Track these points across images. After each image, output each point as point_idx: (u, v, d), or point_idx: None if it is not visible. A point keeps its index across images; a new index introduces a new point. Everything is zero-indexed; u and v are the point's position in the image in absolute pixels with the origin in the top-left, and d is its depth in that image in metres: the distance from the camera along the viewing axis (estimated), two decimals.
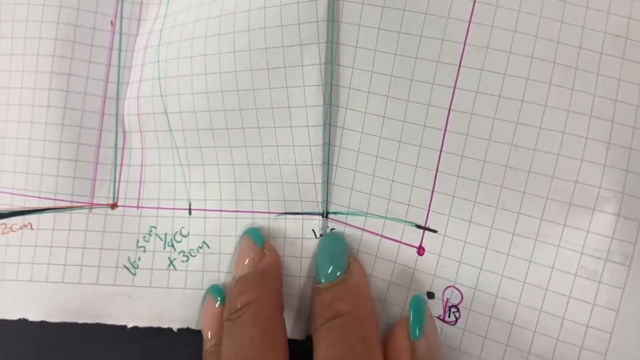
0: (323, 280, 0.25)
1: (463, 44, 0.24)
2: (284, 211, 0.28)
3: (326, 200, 0.27)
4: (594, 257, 0.23)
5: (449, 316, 0.26)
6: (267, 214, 0.28)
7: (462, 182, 0.25)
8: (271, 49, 0.26)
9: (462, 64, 0.24)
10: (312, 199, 0.27)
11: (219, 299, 0.27)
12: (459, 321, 0.25)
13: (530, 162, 0.24)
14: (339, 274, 0.25)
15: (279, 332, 0.24)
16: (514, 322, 0.24)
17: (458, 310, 0.25)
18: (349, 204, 0.27)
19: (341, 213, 0.27)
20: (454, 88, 0.24)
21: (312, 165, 0.26)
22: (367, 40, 0.25)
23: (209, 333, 0.27)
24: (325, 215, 0.27)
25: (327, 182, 0.27)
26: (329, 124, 0.26)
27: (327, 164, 0.27)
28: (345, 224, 0.27)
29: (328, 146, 0.27)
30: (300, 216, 0.27)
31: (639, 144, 0.23)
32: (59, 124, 0.29)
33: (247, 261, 0.26)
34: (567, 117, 0.23)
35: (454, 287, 0.25)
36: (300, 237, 0.27)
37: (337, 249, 0.26)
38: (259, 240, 0.27)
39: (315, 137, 0.26)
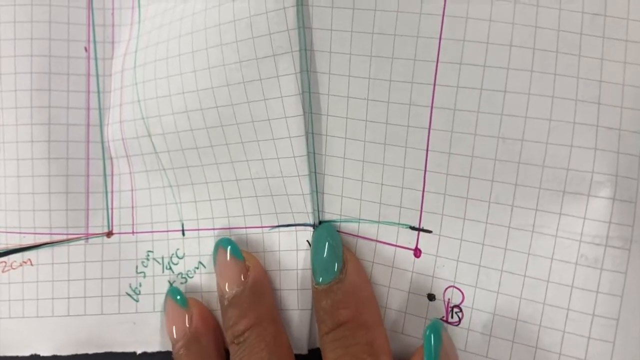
0: (321, 280, 0.24)
1: (439, 39, 0.23)
2: (276, 224, 0.27)
3: (317, 210, 0.27)
4: (594, 244, 0.23)
5: (452, 317, 0.25)
6: (260, 229, 0.28)
7: (452, 180, 0.24)
8: (245, 62, 0.25)
9: (439, 60, 0.24)
10: (302, 210, 0.26)
11: (178, 297, 0.28)
12: (462, 321, 0.25)
13: (519, 153, 0.23)
14: (336, 268, 0.24)
15: (285, 347, 0.25)
16: (518, 317, 0.24)
17: (460, 310, 0.25)
18: (341, 211, 0.26)
19: (334, 221, 0.26)
20: (434, 85, 0.24)
21: (299, 176, 0.26)
22: (341, 45, 0.25)
23: (174, 334, 0.27)
24: (318, 224, 0.27)
25: (316, 192, 0.26)
26: (312, 133, 0.26)
27: (315, 173, 0.26)
28: (339, 232, 0.26)
29: (314, 155, 0.26)
30: (293, 228, 0.27)
31: (628, 123, 0.22)
32: (46, 158, 0.29)
33: (233, 278, 0.26)
34: (552, 103, 0.23)
35: (454, 286, 0.25)
36: (295, 249, 0.27)
37: (330, 243, 0.25)
38: (238, 254, 0.26)
39: (298, 148, 0.25)
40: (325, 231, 0.25)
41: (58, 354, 0.30)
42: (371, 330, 0.23)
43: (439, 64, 0.24)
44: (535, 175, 0.23)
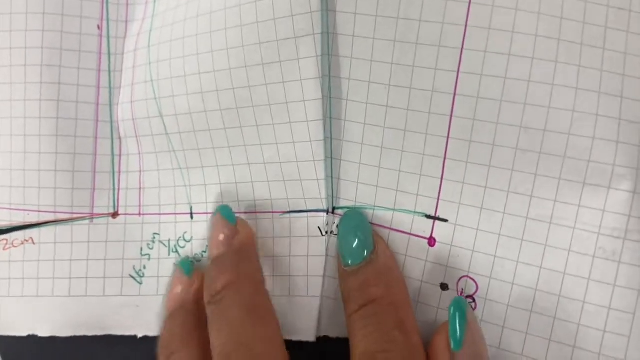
0: (350, 262, 0.24)
1: (464, 26, 0.23)
2: (287, 210, 0.27)
3: (332, 196, 0.26)
4: (612, 236, 0.23)
5: None
6: (271, 214, 0.27)
7: (472, 168, 0.24)
8: (265, 44, 0.25)
9: (464, 47, 0.23)
10: (315, 195, 0.26)
11: (185, 268, 0.27)
12: (475, 312, 0.25)
13: (540, 143, 0.23)
14: (365, 253, 0.24)
15: (265, 307, 0.24)
16: (532, 309, 0.24)
17: (474, 301, 0.25)
18: (356, 198, 0.26)
19: (348, 207, 0.26)
20: (458, 72, 0.24)
21: (314, 161, 0.25)
22: (365, 29, 0.25)
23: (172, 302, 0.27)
24: (332, 210, 0.26)
25: (331, 177, 0.26)
26: (330, 118, 0.26)
27: (331, 159, 0.26)
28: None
29: (330, 140, 0.26)
30: (305, 214, 0.27)
31: None
32: (53, 135, 0.29)
33: (220, 240, 0.25)
34: (575, 95, 0.23)
35: (468, 277, 0.25)
36: (306, 235, 0.27)
37: (360, 227, 0.25)
38: (230, 218, 0.26)
39: (315, 132, 0.25)
40: (355, 215, 0.25)
41: (56, 335, 0.29)
42: (401, 310, 0.23)
43: (463, 51, 0.24)
44: (556, 166, 0.23)
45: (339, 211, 0.26)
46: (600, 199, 0.23)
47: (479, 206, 0.24)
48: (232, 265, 0.24)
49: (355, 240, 0.24)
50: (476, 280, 0.25)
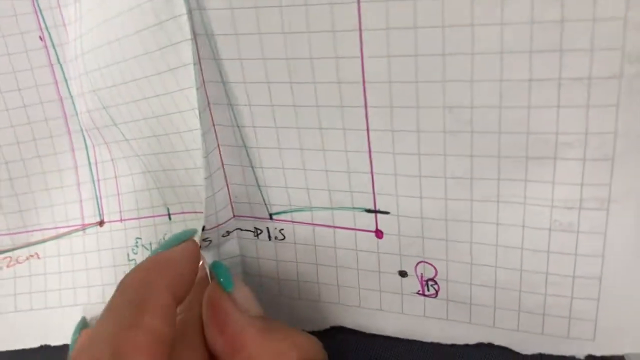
0: None
1: (357, 2, 0.19)
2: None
3: (263, 203, 0.24)
4: (566, 208, 0.20)
5: (428, 289, 0.24)
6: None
7: (401, 159, 0.21)
8: (150, 54, 0.22)
9: (362, 27, 0.20)
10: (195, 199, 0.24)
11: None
12: (439, 293, 0.24)
13: (469, 122, 0.20)
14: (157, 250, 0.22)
15: None
16: (496, 285, 0.22)
17: (435, 283, 0.23)
18: (289, 202, 0.24)
19: (285, 212, 0.24)
20: (362, 57, 0.20)
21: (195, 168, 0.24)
22: (247, 24, 0.21)
23: None
24: (269, 217, 0.24)
25: (257, 186, 0.24)
26: (237, 126, 0.23)
27: (252, 167, 0.24)
28: (293, 222, 0.24)
29: (245, 149, 0.23)
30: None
31: (599, 67, 0.18)
32: (36, 157, 0.29)
33: None
34: (501, 60, 0.19)
35: (424, 262, 0.23)
36: None
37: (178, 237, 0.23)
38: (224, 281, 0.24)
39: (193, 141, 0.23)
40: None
41: (68, 342, 0.30)
42: (144, 290, 0.20)
43: (362, 32, 0.20)
44: (492, 144, 0.20)
45: (277, 217, 0.24)
46: (547, 171, 0.20)
47: (417, 196, 0.22)
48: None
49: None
50: (433, 264, 0.23)
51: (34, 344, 0.30)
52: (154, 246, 0.28)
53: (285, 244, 0.25)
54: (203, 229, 0.23)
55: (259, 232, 0.25)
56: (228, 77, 0.22)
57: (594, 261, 0.21)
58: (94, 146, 0.29)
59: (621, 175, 0.19)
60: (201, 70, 0.22)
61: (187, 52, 0.21)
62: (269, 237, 0.25)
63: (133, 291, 0.19)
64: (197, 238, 0.23)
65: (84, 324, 0.29)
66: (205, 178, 0.23)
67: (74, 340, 0.27)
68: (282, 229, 0.25)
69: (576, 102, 0.19)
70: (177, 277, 0.21)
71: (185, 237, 0.22)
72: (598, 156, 0.19)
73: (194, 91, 0.22)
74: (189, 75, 0.22)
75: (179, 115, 0.23)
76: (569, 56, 0.18)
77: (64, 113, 0.29)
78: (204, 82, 0.22)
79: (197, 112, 0.22)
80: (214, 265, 0.22)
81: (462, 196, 0.21)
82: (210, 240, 0.24)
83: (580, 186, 0.20)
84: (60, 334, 0.30)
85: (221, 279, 0.21)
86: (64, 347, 0.30)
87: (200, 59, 0.22)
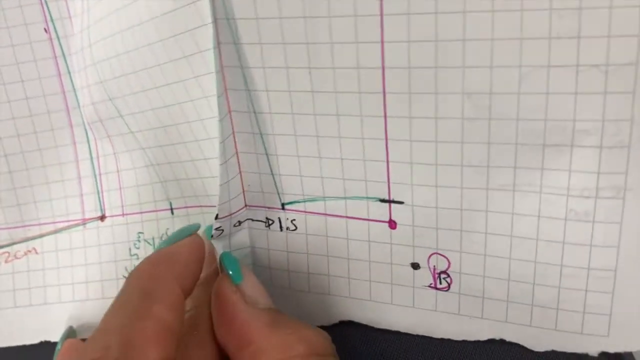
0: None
1: None
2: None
3: (276, 192, 0.24)
4: (582, 197, 0.20)
5: (440, 283, 0.23)
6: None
7: (418, 146, 0.21)
8: (168, 39, 0.22)
9: (383, 12, 0.20)
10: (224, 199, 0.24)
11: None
12: (452, 286, 0.23)
13: (488, 108, 0.20)
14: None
15: None
16: (509, 277, 0.22)
17: (448, 276, 0.23)
18: (303, 191, 0.24)
19: (297, 202, 0.24)
20: (382, 42, 0.20)
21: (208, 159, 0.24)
22: (268, 7, 0.21)
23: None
24: (281, 207, 0.24)
25: (271, 174, 0.24)
26: (254, 112, 0.23)
27: (266, 155, 0.24)
28: (305, 212, 0.24)
29: (260, 135, 0.23)
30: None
31: (616, 54, 0.18)
32: (36, 150, 0.29)
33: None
34: (520, 46, 0.19)
35: (437, 253, 0.23)
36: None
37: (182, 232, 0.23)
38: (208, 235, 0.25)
39: (211, 129, 0.23)
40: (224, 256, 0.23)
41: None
42: (153, 281, 0.20)
43: (383, 17, 0.20)
44: (510, 131, 0.20)
45: (289, 206, 0.24)
46: (564, 159, 0.20)
47: (433, 184, 0.22)
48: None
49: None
50: (446, 255, 0.23)
51: (34, 340, 0.30)
52: (156, 241, 0.28)
53: (296, 235, 0.25)
54: (216, 217, 0.23)
55: (270, 222, 0.25)
56: (247, 61, 0.22)
57: (609, 252, 0.21)
58: (95, 140, 0.29)
59: (637, 163, 0.19)
60: (220, 55, 0.22)
61: (205, 37, 0.21)
62: (281, 227, 0.25)
63: (141, 283, 0.20)
64: (201, 231, 0.23)
65: (69, 334, 0.28)
66: (221, 164, 0.22)
67: (58, 350, 0.27)
68: (294, 220, 0.24)
69: (593, 88, 0.19)
70: (184, 270, 0.21)
71: (189, 232, 0.22)
72: (614, 144, 0.19)
73: (208, 78, 0.22)
74: (204, 61, 0.22)
75: (191, 104, 0.23)
76: (587, 43, 0.18)
77: (67, 106, 0.29)
78: (222, 67, 0.22)
79: (211, 99, 0.22)
80: (223, 257, 0.22)
81: (478, 185, 0.21)
82: (222, 230, 0.24)
83: (596, 174, 0.20)
84: (60, 330, 0.29)
85: (230, 271, 0.21)
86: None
87: (219, 43, 0.22)
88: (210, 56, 0.22)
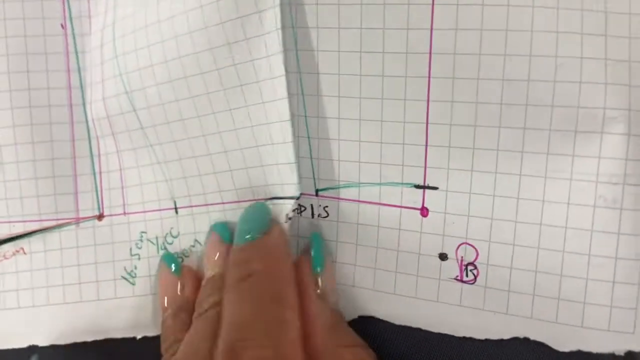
0: (237, 241, 0.23)
1: None
2: (264, 197, 0.26)
3: (313, 177, 0.25)
4: (611, 183, 0.21)
5: (467, 275, 0.24)
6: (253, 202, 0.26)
7: (457, 130, 0.23)
8: (228, 22, 0.23)
9: (435, 2, 0.22)
10: (289, 181, 0.25)
11: (172, 266, 0.26)
12: (478, 279, 0.24)
13: (525, 95, 0.22)
14: (251, 235, 0.23)
15: None
16: (537, 269, 0.23)
17: (475, 268, 0.24)
18: (339, 176, 0.25)
19: (332, 188, 0.25)
20: (431, 29, 0.22)
21: (284, 143, 0.24)
22: None
23: (165, 302, 0.26)
24: (315, 193, 0.25)
25: (310, 158, 0.25)
26: (303, 94, 0.24)
27: (308, 138, 0.25)
28: (339, 198, 0.25)
29: (305, 118, 0.24)
30: (281, 201, 0.25)
31: (638, 53, 0.21)
32: (29, 142, 0.28)
33: (213, 260, 0.25)
34: (557, 39, 0.21)
35: (467, 243, 0.23)
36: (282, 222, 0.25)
37: (256, 213, 0.24)
38: (225, 236, 0.25)
39: (284, 112, 0.24)
40: (255, 204, 0.25)
41: (56, 343, 0.28)
42: (280, 284, 0.22)
43: (434, 6, 0.22)
44: (545, 117, 0.22)
45: (323, 193, 0.25)
46: (594, 145, 0.21)
47: (468, 169, 0.23)
48: (221, 288, 0.23)
49: (246, 229, 0.24)
50: (475, 245, 0.23)
51: (22, 344, 0.28)
52: (160, 240, 0.28)
53: (327, 222, 0.25)
54: (298, 197, 0.24)
55: (302, 209, 0.26)
56: (303, 44, 0.24)
57: (636, 240, 0.22)
58: (98, 138, 0.29)
59: None
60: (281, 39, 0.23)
61: (272, 20, 0.23)
62: (312, 214, 0.25)
63: (270, 284, 0.21)
64: (283, 215, 0.24)
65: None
66: (292, 142, 0.24)
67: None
68: (327, 206, 0.25)
69: (620, 80, 0.21)
70: (292, 268, 0.22)
71: (266, 213, 0.24)
72: None
73: (246, 66, 0.24)
74: (243, 50, 0.23)
75: (223, 93, 0.25)
76: (613, 41, 0.21)
77: (70, 102, 0.28)
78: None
79: (255, 85, 0.24)
80: (314, 238, 0.23)
81: (512, 170, 0.22)
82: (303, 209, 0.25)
83: (624, 161, 0.21)
84: (48, 334, 0.28)
85: (315, 257, 0.23)
86: (51, 348, 0.28)
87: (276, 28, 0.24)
88: (253, 44, 0.23)
